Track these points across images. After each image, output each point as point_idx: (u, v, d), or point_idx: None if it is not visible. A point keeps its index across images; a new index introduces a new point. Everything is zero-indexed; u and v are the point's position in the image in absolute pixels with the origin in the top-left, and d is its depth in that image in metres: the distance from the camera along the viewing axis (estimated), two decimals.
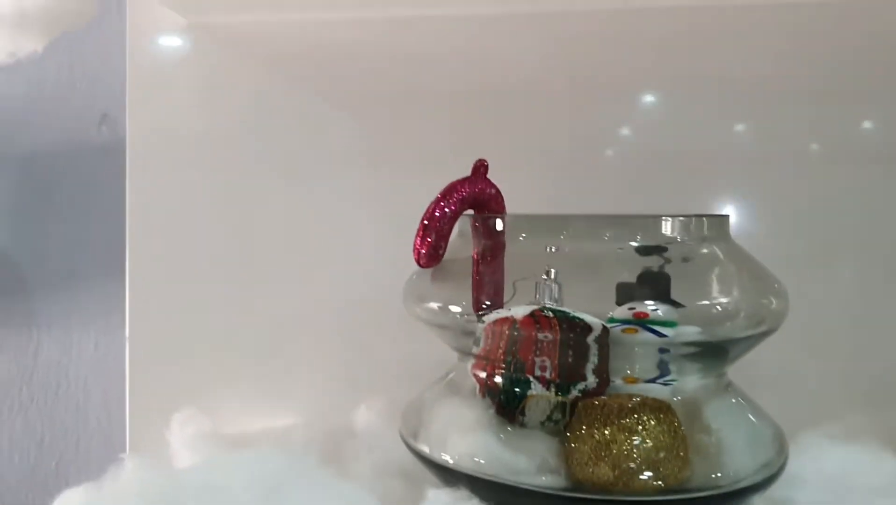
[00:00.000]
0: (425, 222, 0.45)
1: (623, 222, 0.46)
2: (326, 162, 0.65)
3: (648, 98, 0.64)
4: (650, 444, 0.42)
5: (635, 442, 0.42)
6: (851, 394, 0.61)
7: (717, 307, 0.46)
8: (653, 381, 0.45)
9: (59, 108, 0.72)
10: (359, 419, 0.60)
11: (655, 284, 0.47)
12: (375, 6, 0.63)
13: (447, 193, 0.45)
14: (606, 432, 0.42)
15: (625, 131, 0.64)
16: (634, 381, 0.45)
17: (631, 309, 0.46)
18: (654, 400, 0.44)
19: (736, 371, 0.51)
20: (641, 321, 0.45)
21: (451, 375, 0.50)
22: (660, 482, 0.42)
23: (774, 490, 0.48)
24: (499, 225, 0.46)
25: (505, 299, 0.45)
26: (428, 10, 0.62)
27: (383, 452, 0.55)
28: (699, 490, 0.43)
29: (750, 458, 0.44)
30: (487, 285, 0.47)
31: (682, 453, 0.43)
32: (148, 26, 0.66)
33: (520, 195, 0.50)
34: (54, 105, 0.72)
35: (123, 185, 0.65)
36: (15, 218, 0.73)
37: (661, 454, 0.42)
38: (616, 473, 0.42)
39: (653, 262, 0.47)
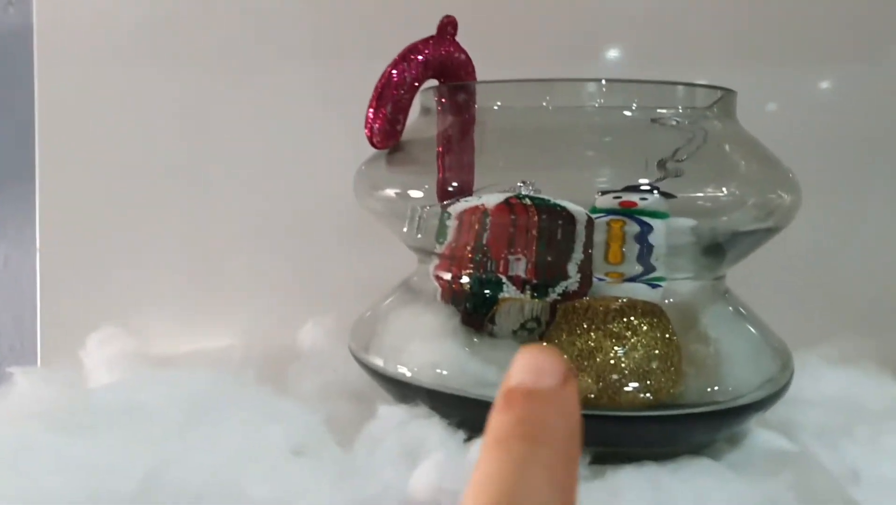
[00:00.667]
0: (380, 91, 0.37)
1: (620, 87, 0.39)
2: (266, 51, 0.57)
3: (613, 53, 0.58)
4: (640, 352, 0.36)
5: (623, 350, 0.36)
6: (847, 316, 0.56)
7: (717, 198, 0.40)
8: (638, 278, 0.39)
9: None
10: (305, 338, 0.53)
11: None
12: None
13: (406, 55, 0.38)
14: (590, 339, 0.36)
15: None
16: (619, 276, 0.39)
17: (616, 198, 0.39)
18: (645, 303, 0.38)
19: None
20: (628, 210, 0.39)
21: (411, 280, 0.43)
22: (649, 395, 0.36)
23: (776, 411, 0.43)
24: (469, 94, 0.39)
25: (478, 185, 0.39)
26: None
27: (332, 373, 0.48)
28: (694, 406, 0.37)
29: (751, 372, 0.39)
30: (455, 169, 0.40)
31: (675, 364, 0.37)
32: None
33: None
34: None
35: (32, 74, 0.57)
36: None
37: (653, 364, 0.36)
38: (600, 385, 0.35)
39: (654, 135, 0.41)
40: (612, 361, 0.35)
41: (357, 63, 0.54)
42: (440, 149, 0.40)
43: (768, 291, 0.56)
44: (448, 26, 0.38)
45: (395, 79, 0.37)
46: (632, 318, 0.36)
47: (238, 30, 0.58)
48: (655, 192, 0.39)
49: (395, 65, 0.38)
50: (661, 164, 0.41)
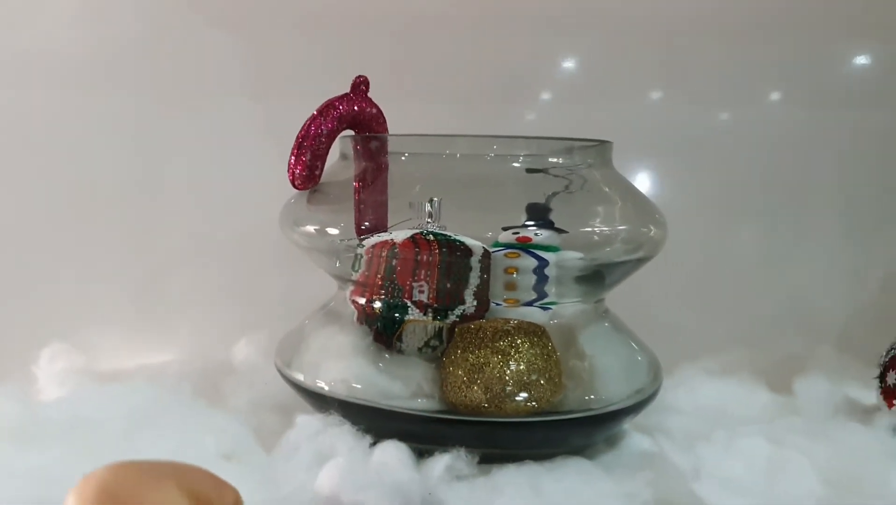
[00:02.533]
0: (300, 141, 0.43)
1: (508, 143, 0.45)
2: (208, 88, 0.62)
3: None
4: (522, 367, 0.42)
5: (509, 365, 0.42)
6: (731, 333, 0.63)
7: (598, 233, 0.46)
8: (531, 303, 0.45)
9: None
10: (238, 354, 0.58)
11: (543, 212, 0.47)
12: None
13: (324, 110, 0.43)
14: (480, 355, 0.42)
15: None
16: (516, 302, 0.45)
17: (515, 234, 0.45)
18: (530, 324, 0.43)
19: (622, 309, 0.52)
20: (524, 246, 0.45)
21: (330, 304, 0.48)
22: (533, 404, 0.41)
23: (649, 418, 0.49)
24: (380, 145, 0.45)
25: (392, 223, 0.44)
26: None
27: (262, 387, 0.53)
28: (571, 412, 0.43)
29: (623, 383, 0.45)
30: (369, 209, 0.46)
31: (555, 377, 0.43)
32: None
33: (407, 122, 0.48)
34: None
35: None
36: None
37: (534, 377, 0.42)
38: (488, 395, 0.41)
39: (538, 182, 0.47)
40: (497, 375, 0.41)
41: (290, 104, 0.60)
42: (356, 190, 0.46)
43: (658, 311, 0.63)
44: (361, 85, 0.44)
45: (313, 131, 0.43)
46: (516, 337, 0.42)
47: (182, 65, 0.63)
48: (546, 230, 0.45)
49: (313, 118, 0.43)
50: (546, 205, 0.47)
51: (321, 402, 0.44)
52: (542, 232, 0.46)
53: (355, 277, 0.45)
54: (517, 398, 0.41)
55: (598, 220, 0.47)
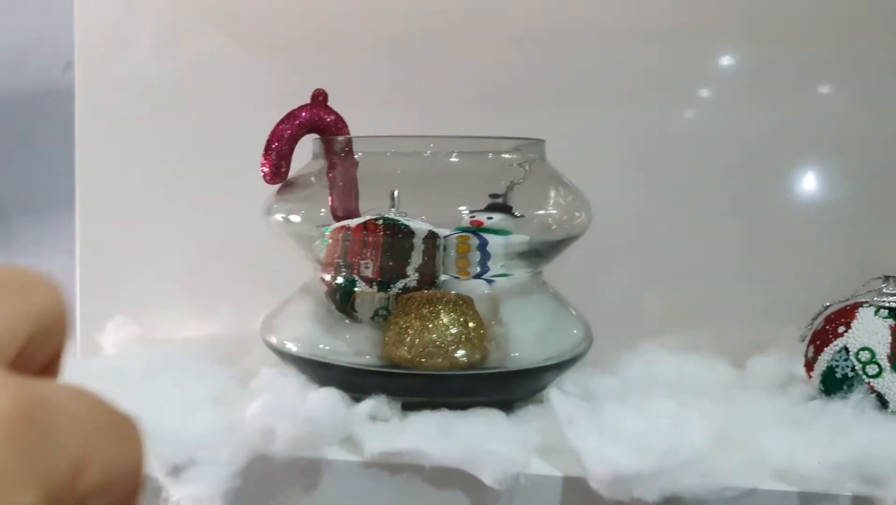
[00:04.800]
0: (268, 143, 0.53)
1: (450, 142, 0.53)
2: (244, 104, 0.73)
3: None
4: (436, 333, 0.49)
5: (427, 329, 0.49)
6: (689, 311, 0.67)
7: (543, 218, 0.53)
8: (479, 276, 0.52)
9: (30, 55, 0.83)
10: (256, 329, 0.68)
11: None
12: None
13: (287, 118, 0.53)
14: (406, 320, 0.50)
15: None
16: (467, 275, 0.52)
17: (471, 217, 0.53)
18: (457, 295, 0.51)
19: (588, 291, 0.59)
20: (477, 228, 0.53)
21: (308, 282, 0.58)
22: (446, 362, 0.49)
23: (587, 382, 0.55)
24: (335, 145, 0.54)
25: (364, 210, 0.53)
26: None
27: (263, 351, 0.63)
28: (484, 369, 0.50)
29: (538, 347, 0.51)
30: (340, 199, 0.54)
31: (474, 340, 0.50)
32: None
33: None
34: (27, 53, 0.83)
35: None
36: None
37: (449, 340, 0.49)
38: (411, 354, 0.49)
39: (485, 177, 0.55)
40: (418, 338, 0.49)
41: None
42: (329, 184, 0.55)
43: (628, 288, 0.68)
44: (319, 96, 0.53)
45: (278, 135, 0.52)
46: (437, 306, 0.50)
47: (226, 90, 0.75)
48: (498, 213, 0.53)
49: (278, 124, 0.53)
50: (506, 194, 0.54)
51: (285, 358, 0.53)
52: (495, 216, 0.53)
53: (321, 257, 0.54)
54: (435, 358, 0.49)
55: (539, 206, 0.54)
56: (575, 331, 0.54)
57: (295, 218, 0.54)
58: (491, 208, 0.54)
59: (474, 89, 0.69)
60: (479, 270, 0.53)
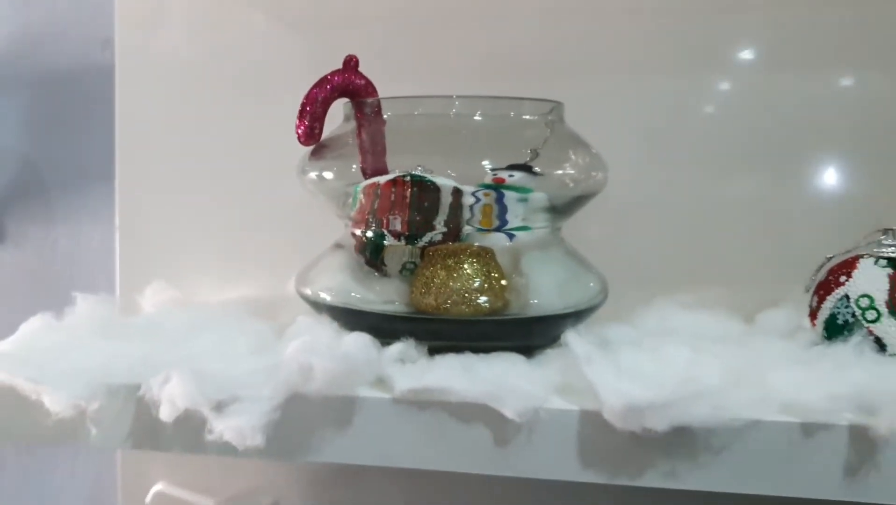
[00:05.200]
0: (303, 107, 0.56)
1: (473, 102, 0.55)
2: (289, 82, 0.77)
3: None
4: (460, 283, 0.52)
5: (453, 278, 0.52)
6: (709, 270, 0.70)
7: (561, 177, 0.56)
8: (499, 229, 0.55)
9: (70, 33, 0.87)
10: (289, 288, 0.72)
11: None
12: None
13: (320, 82, 0.56)
14: (433, 271, 0.53)
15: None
16: (489, 225, 0.55)
17: (494, 175, 0.56)
18: (480, 247, 0.54)
19: (606, 251, 0.62)
20: (498, 186, 0.56)
21: (340, 238, 0.61)
22: (471, 309, 0.52)
23: (603, 330, 0.58)
24: (365, 107, 0.57)
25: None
26: None
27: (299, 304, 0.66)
28: (506, 316, 0.53)
29: (557, 297, 0.54)
30: (370, 158, 0.57)
31: (496, 289, 0.53)
32: None
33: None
34: (66, 31, 0.87)
35: None
36: (36, 128, 0.88)
37: (474, 288, 0.52)
38: (437, 301, 0.52)
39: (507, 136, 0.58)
40: (442, 287, 0.52)
41: None
42: (359, 144, 0.58)
43: (644, 249, 0.71)
44: (351, 61, 0.56)
45: (311, 98, 0.55)
46: (461, 257, 0.53)
47: (259, 63, 0.78)
48: (520, 172, 0.56)
49: (312, 88, 0.56)
50: (534, 152, 0.57)
51: (319, 308, 0.57)
52: (517, 174, 0.56)
53: (352, 214, 0.58)
54: (460, 306, 0.52)
55: (559, 165, 0.57)
56: (591, 284, 0.57)
57: (328, 175, 0.57)
58: (512, 167, 0.57)
59: (499, 61, 0.72)
60: (499, 223, 0.56)
